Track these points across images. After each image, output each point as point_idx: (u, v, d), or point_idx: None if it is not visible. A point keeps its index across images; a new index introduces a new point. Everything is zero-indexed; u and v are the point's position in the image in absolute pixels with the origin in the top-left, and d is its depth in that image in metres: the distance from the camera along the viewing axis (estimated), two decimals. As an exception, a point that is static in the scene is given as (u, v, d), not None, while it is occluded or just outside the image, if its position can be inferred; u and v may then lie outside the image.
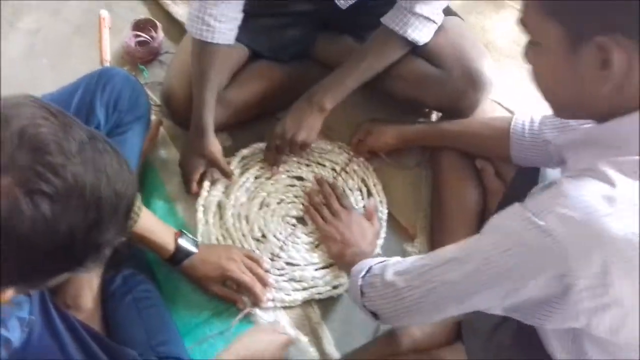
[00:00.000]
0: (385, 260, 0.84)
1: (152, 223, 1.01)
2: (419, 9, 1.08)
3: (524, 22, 0.67)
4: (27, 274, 0.56)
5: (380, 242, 1.16)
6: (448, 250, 0.74)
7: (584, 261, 0.57)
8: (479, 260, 0.66)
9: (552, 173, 1.00)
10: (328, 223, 1.13)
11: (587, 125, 0.72)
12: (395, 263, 0.82)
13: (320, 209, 1.16)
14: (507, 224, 0.65)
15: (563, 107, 0.70)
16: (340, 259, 1.06)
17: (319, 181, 1.21)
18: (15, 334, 0.70)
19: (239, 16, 1.10)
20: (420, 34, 1.11)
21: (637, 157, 0.60)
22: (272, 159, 1.22)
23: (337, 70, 1.16)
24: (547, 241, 0.59)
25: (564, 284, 0.59)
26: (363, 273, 0.85)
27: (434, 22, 1.11)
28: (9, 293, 0.58)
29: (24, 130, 0.52)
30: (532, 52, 0.68)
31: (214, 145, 1.15)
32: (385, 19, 1.12)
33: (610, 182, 0.59)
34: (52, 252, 0.54)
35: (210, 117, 1.12)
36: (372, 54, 1.15)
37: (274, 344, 1.03)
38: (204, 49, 1.09)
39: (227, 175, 1.19)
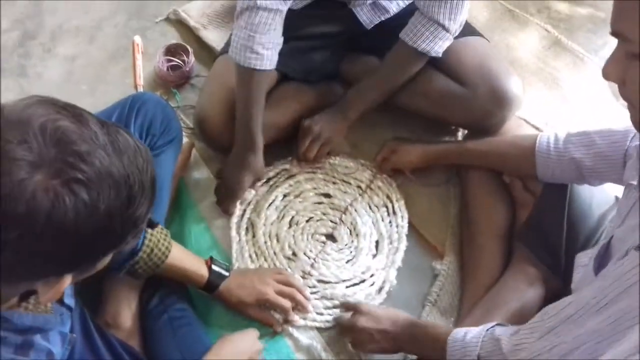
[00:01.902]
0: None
1: (183, 254, 1.04)
2: (434, 14, 1.10)
3: (620, 32, 0.61)
4: (78, 259, 0.59)
5: (400, 255, 1.18)
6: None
7: None
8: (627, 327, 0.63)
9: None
10: (358, 338, 1.03)
11: None
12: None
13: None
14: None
15: None
16: (398, 349, 1.00)
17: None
18: (56, 348, 0.73)
19: (281, 41, 1.14)
20: (432, 44, 1.13)
21: None
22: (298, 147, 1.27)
23: (360, 83, 1.22)
24: None
25: None
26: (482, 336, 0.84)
27: (447, 31, 1.12)
28: (67, 281, 0.62)
29: (44, 127, 0.54)
30: (627, 67, 0.62)
31: (262, 161, 1.21)
32: (401, 33, 1.16)
33: None
34: (96, 234, 0.57)
35: (261, 134, 1.17)
36: (388, 67, 1.20)
37: (254, 347, 1.02)
38: (251, 76, 1.12)
39: None
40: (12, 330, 0.65)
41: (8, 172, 0.52)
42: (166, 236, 1.01)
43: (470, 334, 0.87)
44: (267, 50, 1.10)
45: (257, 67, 1.11)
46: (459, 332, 0.89)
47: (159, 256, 0.98)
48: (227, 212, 1.23)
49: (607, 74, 0.65)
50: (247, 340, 1.02)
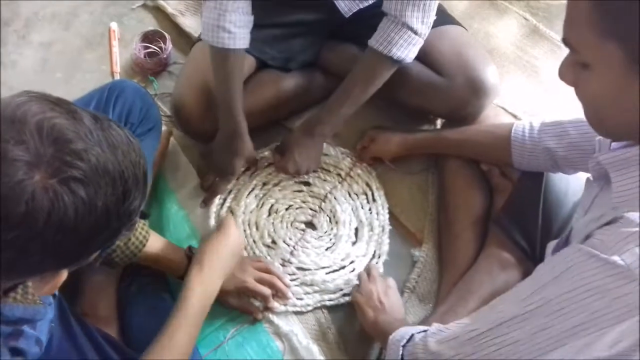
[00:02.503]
0: (426, 330, 0.82)
1: (160, 243, 1.04)
2: (407, 18, 1.07)
3: (570, 42, 0.63)
4: (76, 255, 0.60)
5: (385, 248, 1.18)
6: (498, 310, 0.70)
7: None
8: (548, 314, 0.63)
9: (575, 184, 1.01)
10: (367, 288, 1.07)
11: (632, 146, 0.68)
12: (437, 332, 0.79)
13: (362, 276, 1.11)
14: (576, 269, 0.61)
15: (614, 128, 0.67)
16: (374, 325, 1.01)
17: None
18: (44, 336, 0.73)
19: (251, 19, 1.13)
20: (406, 51, 1.10)
21: None
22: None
23: (331, 99, 1.17)
24: (626, 287, 0.57)
25: None
26: (404, 342, 0.83)
27: (418, 35, 1.09)
28: (64, 275, 0.63)
29: (40, 125, 0.54)
30: (579, 73, 0.64)
31: (251, 144, 1.19)
32: (371, 41, 1.12)
33: None
34: (94, 230, 0.57)
35: (243, 118, 1.16)
36: (362, 79, 1.15)
37: (238, 248, 1.08)
38: (226, 57, 1.11)
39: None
40: (3, 321, 0.65)
41: (6, 173, 0.52)
42: (144, 225, 1.01)
43: (399, 334, 0.86)
44: (239, 29, 1.10)
45: (231, 46, 1.10)
46: (399, 332, 0.88)
47: (136, 245, 0.98)
48: (212, 197, 1.22)
49: (561, 75, 0.67)
50: (228, 236, 1.05)
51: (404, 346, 0.83)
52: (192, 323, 0.93)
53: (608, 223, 0.64)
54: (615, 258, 0.58)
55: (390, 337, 0.87)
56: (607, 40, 0.59)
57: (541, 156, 1.03)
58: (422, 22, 1.08)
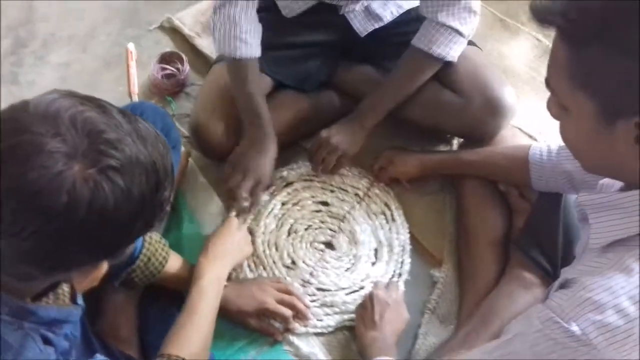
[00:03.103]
0: None
1: (180, 263, 1.05)
2: (444, 19, 1.11)
3: (550, 85, 0.64)
4: (115, 245, 0.61)
5: (407, 267, 1.18)
6: None
7: None
8: None
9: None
10: (366, 301, 1.08)
11: (614, 190, 0.70)
12: None
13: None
14: (535, 332, 0.62)
15: (592, 167, 0.68)
16: (360, 338, 1.04)
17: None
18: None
19: (260, 27, 1.17)
20: (446, 49, 1.14)
21: None
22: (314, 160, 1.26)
23: (374, 92, 1.22)
24: (583, 350, 0.57)
25: None
26: None
27: (460, 34, 1.13)
28: (104, 268, 0.64)
29: (74, 118, 0.56)
30: (559, 112, 0.65)
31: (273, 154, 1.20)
32: (414, 39, 1.16)
33: (637, 279, 0.57)
34: (132, 219, 0.59)
35: (270, 120, 1.18)
36: (403, 74, 1.20)
37: (243, 241, 1.13)
38: (244, 66, 1.15)
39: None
40: (38, 322, 0.66)
41: (45, 165, 0.54)
42: (164, 246, 1.01)
43: None
44: (254, 39, 1.14)
45: (249, 55, 1.14)
46: None
47: (156, 266, 0.99)
48: (251, 207, 1.20)
49: (548, 108, 0.68)
50: (230, 229, 1.09)
51: None
52: (207, 302, 0.97)
53: (564, 286, 0.64)
54: (573, 326, 0.58)
55: None
56: (579, 91, 0.60)
57: (559, 178, 1.04)
58: (460, 22, 1.12)
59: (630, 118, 0.57)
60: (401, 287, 1.16)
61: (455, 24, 1.11)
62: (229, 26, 1.12)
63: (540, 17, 0.60)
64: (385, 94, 1.21)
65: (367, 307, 1.06)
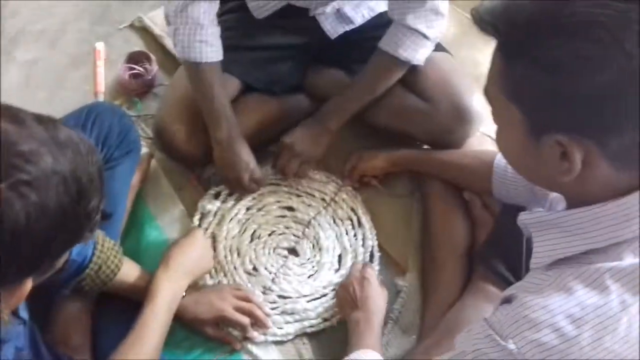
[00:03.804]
0: None
1: (134, 271, 1.02)
2: (411, 21, 1.09)
3: (488, 95, 0.63)
4: (37, 261, 0.59)
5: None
6: None
7: None
8: None
9: None
10: (345, 281, 1.09)
11: (556, 210, 0.69)
12: None
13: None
14: (474, 349, 0.62)
15: (531, 180, 0.68)
16: (347, 318, 1.04)
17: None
18: None
19: (219, 30, 1.14)
20: (413, 52, 1.13)
21: (598, 265, 0.57)
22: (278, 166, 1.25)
23: (339, 95, 1.20)
24: None
25: None
26: None
27: (427, 38, 1.12)
28: (29, 285, 0.61)
29: None
30: (496, 121, 0.65)
31: (251, 153, 1.18)
32: (380, 42, 1.15)
33: (575, 298, 0.56)
34: (51, 233, 0.56)
35: (236, 123, 1.15)
36: (368, 77, 1.18)
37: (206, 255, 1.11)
38: (210, 69, 1.11)
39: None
40: None
41: None
42: (117, 253, 0.99)
43: None
44: (217, 41, 1.11)
45: (213, 59, 1.11)
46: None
47: (107, 274, 0.96)
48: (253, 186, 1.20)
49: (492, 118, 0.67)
50: (195, 240, 1.08)
51: None
52: (160, 320, 0.95)
53: (507, 301, 0.63)
54: (510, 344, 0.57)
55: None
56: (510, 102, 0.59)
57: (520, 187, 1.02)
58: (427, 26, 1.10)
59: (552, 135, 0.56)
60: (375, 267, 1.15)
61: (421, 27, 1.10)
62: (192, 30, 1.08)
63: (478, 25, 0.59)
64: (350, 97, 1.19)
65: (346, 287, 1.07)
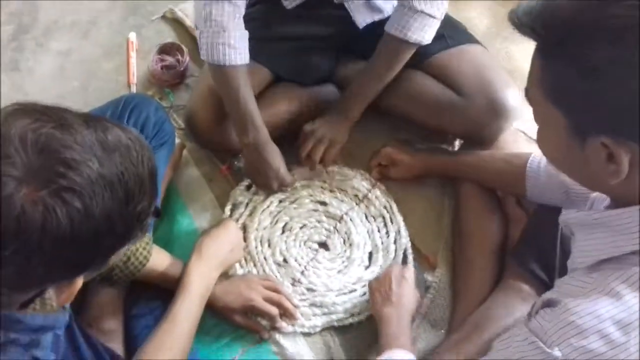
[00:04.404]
0: None
1: (164, 260, 1.03)
2: (416, 3, 1.08)
3: (529, 95, 0.63)
4: (84, 263, 0.59)
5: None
6: None
7: None
8: None
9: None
10: (382, 276, 1.08)
11: (604, 207, 0.68)
12: None
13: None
14: (517, 354, 0.61)
15: (575, 180, 0.67)
16: (378, 313, 1.03)
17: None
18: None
19: (247, 33, 1.13)
20: (422, 33, 1.12)
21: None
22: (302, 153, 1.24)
23: (354, 84, 1.21)
24: None
25: None
26: None
27: (433, 17, 1.11)
28: (79, 283, 0.62)
29: (24, 138, 0.53)
30: (538, 122, 0.64)
31: (280, 155, 1.18)
32: (387, 26, 1.14)
33: (623, 303, 0.55)
34: (97, 237, 0.56)
35: (264, 127, 1.14)
36: (380, 63, 1.18)
37: (237, 246, 1.11)
38: (236, 72, 1.10)
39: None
40: (25, 330, 0.64)
41: None
42: (147, 244, 0.99)
43: None
44: (243, 43, 1.11)
45: (238, 62, 1.09)
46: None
47: (136, 265, 0.97)
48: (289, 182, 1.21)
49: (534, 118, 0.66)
50: (228, 231, 1.08)
51: None
52: (192, 311, 0.96)
53: (548, 305, 0.61)
54: (556, 351, 0.56)
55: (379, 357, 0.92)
56: (552, 104, 0.58)
57: (555, 189, 1.00)
58: (432, 5, 1.09)
59: (597, 137, 0.55)
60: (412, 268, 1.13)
61: (428, 9, 1.09)
62: (217, 32, 1.07)
63: (516, 28, 0.58)
64: (365, 84, 1.20)
65: (383, 281, 1.06)
